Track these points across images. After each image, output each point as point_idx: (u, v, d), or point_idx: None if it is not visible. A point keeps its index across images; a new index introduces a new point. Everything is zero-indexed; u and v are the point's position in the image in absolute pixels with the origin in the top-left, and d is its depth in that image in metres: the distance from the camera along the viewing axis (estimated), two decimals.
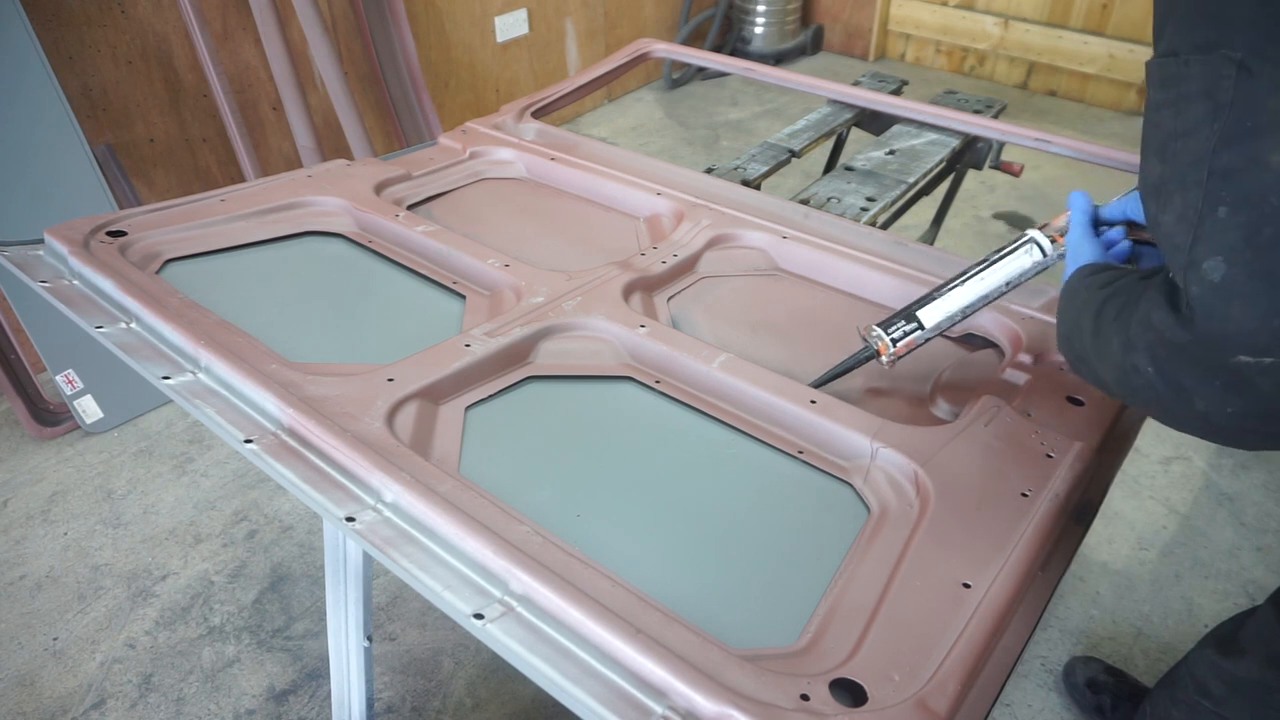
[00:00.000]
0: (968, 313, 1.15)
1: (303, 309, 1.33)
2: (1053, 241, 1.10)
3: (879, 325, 1.16)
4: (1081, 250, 0.99)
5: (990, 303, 1.15)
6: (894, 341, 1.14)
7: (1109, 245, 1.01)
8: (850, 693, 0.75)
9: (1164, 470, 2.28)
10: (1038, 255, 1.11)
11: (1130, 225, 1.03)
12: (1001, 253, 1.13)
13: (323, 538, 1.17)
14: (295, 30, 2.85)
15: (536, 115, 1.96)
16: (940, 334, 1.16)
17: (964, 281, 1.14)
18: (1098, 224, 1.04)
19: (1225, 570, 2.01)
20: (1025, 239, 1.12)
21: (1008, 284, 1.13)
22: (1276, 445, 0.73)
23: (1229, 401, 0.67)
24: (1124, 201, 1.03)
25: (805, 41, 4.98)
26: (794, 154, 2.07)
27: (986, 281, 1.13)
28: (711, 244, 1.51)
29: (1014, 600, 0.85)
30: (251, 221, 1.49)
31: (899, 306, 1.40)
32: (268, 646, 1.87)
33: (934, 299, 1.15)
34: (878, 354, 1.16)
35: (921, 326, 1.14)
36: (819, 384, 1.18)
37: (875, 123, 2.29)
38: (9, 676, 1.82)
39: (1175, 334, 0.68)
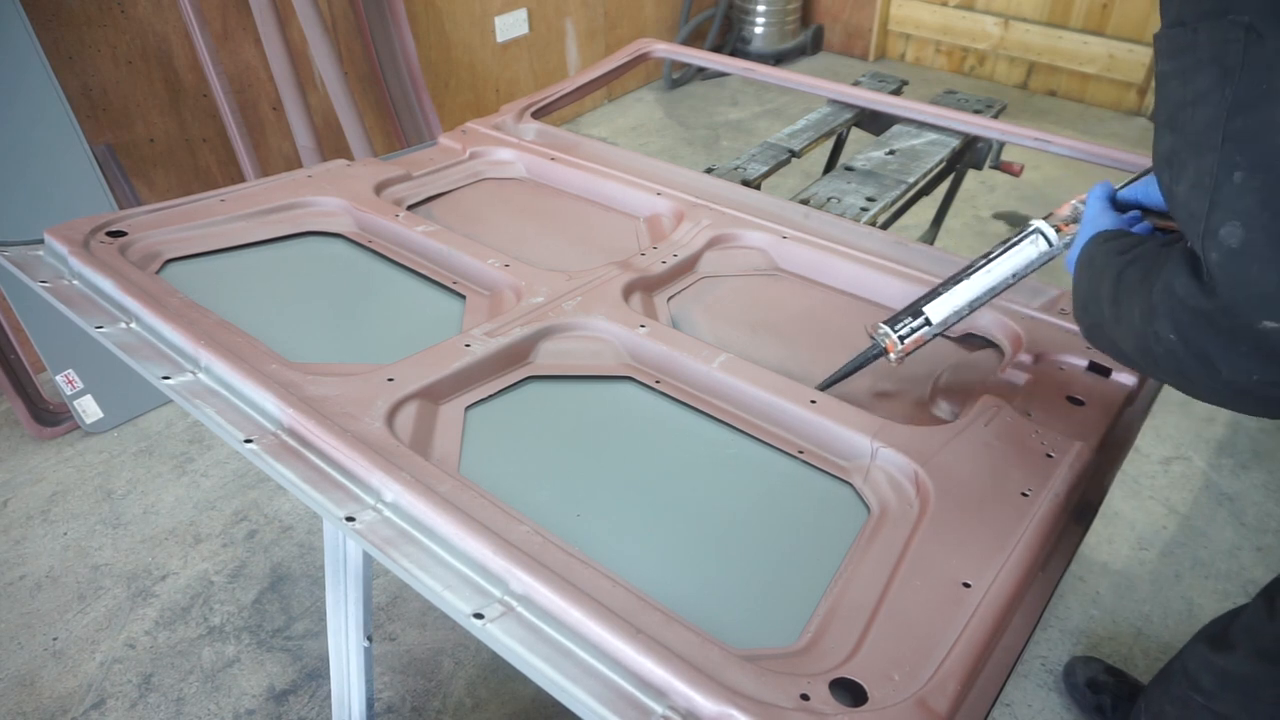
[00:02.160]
0: (975, 306, 1.13)
1: (303, 309, 1.33)
2: (1058, 231, 1.09)
3: (885, 323, 1.15)
4: (1100, 221, 0.97)
5: (998, 294, 1.14)
6: (901, 339, 1.13)
7: (1129, 223, 1.00)
8: (850, 692, 0.75)
9: (1164, 470, 2.28)
10: (1043, 245, 1.09)
11: (1144, 210, 1.02)
12: (1007, 244, 1.12)
13: (323, 538, 1.17)
14: (295, 30, 2.85)
15: (536, 115, 1.96)
16: (947, 329, 1.15)
17: (970, 275, 1.13)
18: (1114, 205, 1.03)
19: (1225, 570, 2.01)
20: (1031, 229, 1.10)
21: (1014, 275, 1.12)
22: None
23: (1255, 368, 0.67)
24: (1136, 187, 1.02)
25: (805, 41, 4.98)
26: (794, 154, 2.07)
27: (993, 274, 1.11)
28: (711, 244, 1.51)
29: (1014, 600, 0.85)
30: (251, 221, 1.49)
31: (899, 306, 1.41)
32: (268, 646, 1.87)
33: (940, 294, 1.14)
34: (885, 351, 1.15)
35: (929, 322, 1.13)
36: (825, 386, 1.18)
37: (875, 123, 2.29)
38: (9, 676, 1.82)
39: (1199, 302, 0.68)
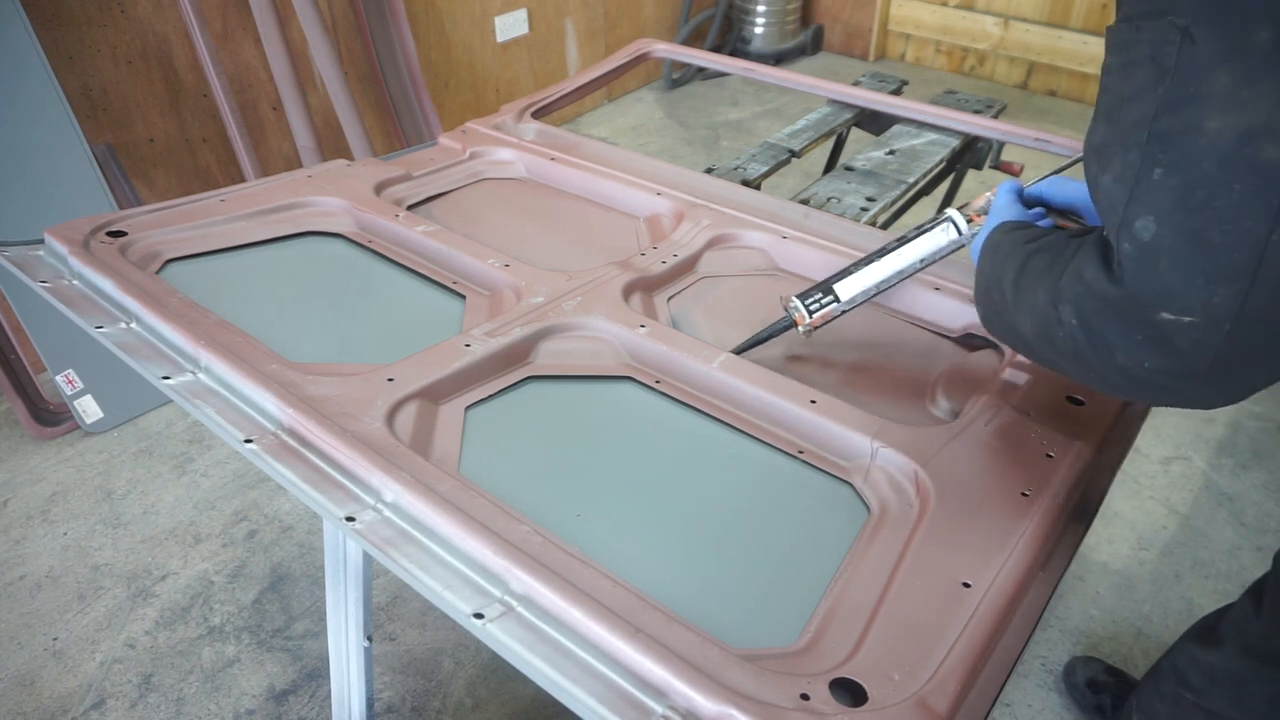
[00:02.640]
0: (882, 288, 1.20)
1: (303, 309, 1.33)
2: (969, 221, 1.14)
3: (798, 297, 1.21)
4: (1006, 212, 1.02)
5: (905, 278, 1.20)
6: (810, 312, 1.20)
7: (1034, 218, 1.05)
8: (850, 692, 0.75)
9: (1164, 470, 2.28)
10: (953, 234, 1.15)
11: (1048, 208, 1.07)
12: (920, 230, 1.17)
13: (323, 538, 1.17)
14: (295, 30, 2.85)
15: (536, 115, 1.96)
16: (855, 306, 1.21)
17: (881, 257, 1.19)
18: (1021, 201, 1.08)
19: (1225, 570, 2.01)
20: (943, 218, 1.16)
21: (921, 260, 1.18)
22: (1179, 403, 0.76)
23: (1148, 356, 0.70)
24: (1042, 185, 1.07)
25: (805, 41, 4.98)
26: (794, 154, 2.08)
27: (902, 258, 1.18)
28: (711, 244, 1.51)
29: (1014, 600, 0.85)
30: (251, 221, 1.49)
31: (897, 306, 1.42)
32: (268, 646, 1.87)
33: (851, 273, 1.20)
34: (795, 324, 1.21)
35: (837, 299, 1.20)
36: (739, 351, 1.24)
37: (875, 123, 2.29)
38: (9, 676, 1.82)
39: (1105, 289, 0.71)
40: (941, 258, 1.18)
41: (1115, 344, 0.72)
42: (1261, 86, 0.60)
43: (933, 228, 1.16)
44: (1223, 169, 0.62)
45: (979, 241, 1.00)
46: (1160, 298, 0.67)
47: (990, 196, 1.11)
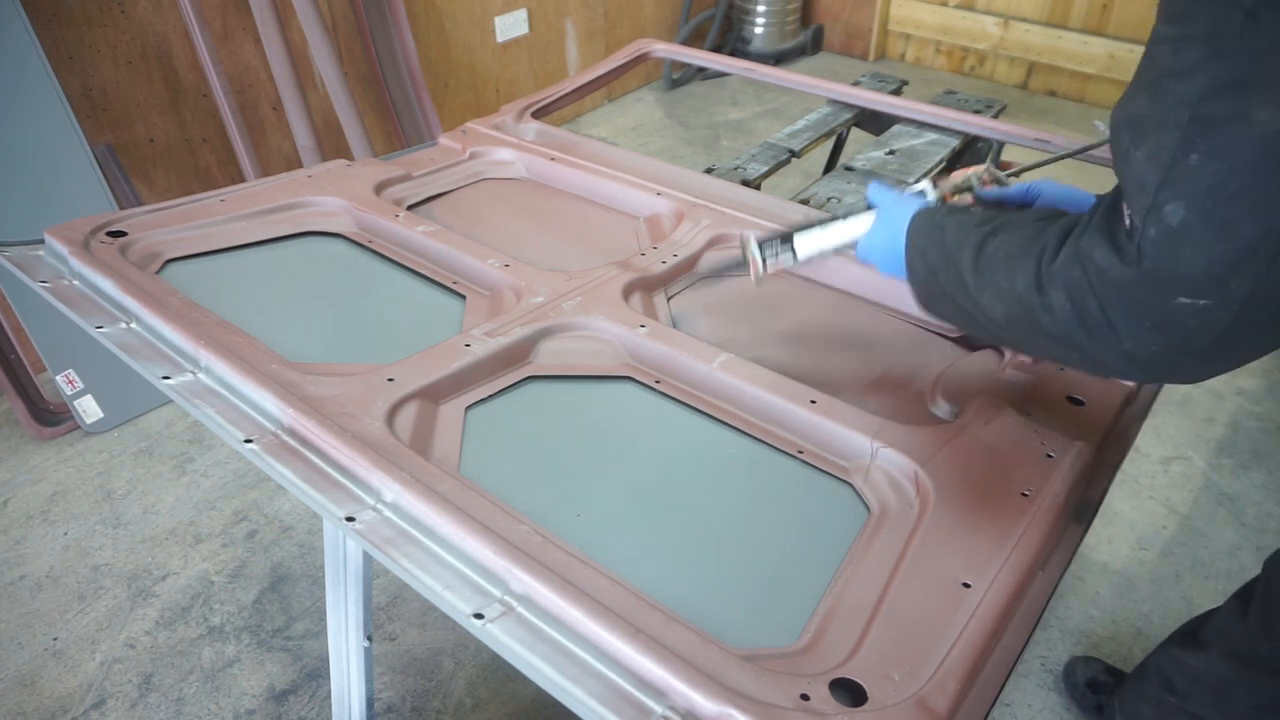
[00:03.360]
0: (839, 250, 1.16)
1: (303, 309, 1.33)
2: (943, 200, 1.10)
3: (758, 241, 1.17)
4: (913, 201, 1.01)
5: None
6: (764, 261, 1.16)
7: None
8: (850, 692, 0.75)
9: (1164, 470, 2.28)
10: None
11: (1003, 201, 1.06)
12: None
13: (323, 538, 1.17)
14: (295, 30, 2.85)
15: (536, 115, 1.96)
16: (808, 264, 1.18)
17: (846, 218, 1.15)
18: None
19: (1225, 570, 2.01)
20: (917, 190, 1.13)
21: None
22: (1172, 379, 0.76)
23: (1154, 340, 0.69)
24: (1038, 183, 1.06)
25: (805, 41, 4.98)
26: (794, 154, 2.08)
27: (863, 223, 1.14)
28: (711, 244, 1.51)
29: (1014, 600, 0.85)
30: (251, 221, 1.50)
31: (898, 306, 1.41)
32: (268, 646, 1.87)
33: (814, 228, 1.16)
34: (749, 267, 1.18)
35: (794, 255, 1.16)
36: (696, 279, 1.23)
37: (875, 123, 2.29)
38: (9, 676, 1.82)
39: (1119, 273, 0.69)
40: None
41: (1121, 329, 0.70)
42: None
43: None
44: (1266, 159, 0.60)
45: (902, 221, 0.98)
46: (1179, 281, 0.65)
47: (968, 174, 1.09)
